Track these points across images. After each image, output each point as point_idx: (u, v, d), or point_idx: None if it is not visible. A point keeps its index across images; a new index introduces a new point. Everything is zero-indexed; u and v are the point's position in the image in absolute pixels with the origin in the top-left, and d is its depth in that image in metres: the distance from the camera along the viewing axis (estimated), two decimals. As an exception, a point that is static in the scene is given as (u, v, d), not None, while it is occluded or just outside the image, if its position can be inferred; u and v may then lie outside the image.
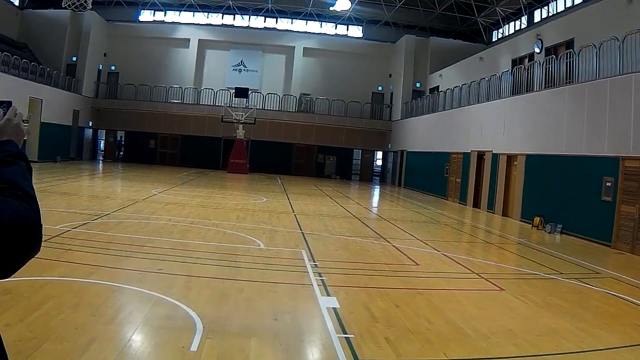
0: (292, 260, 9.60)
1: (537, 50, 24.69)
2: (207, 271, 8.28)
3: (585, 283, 9.58)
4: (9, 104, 1.83)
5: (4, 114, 1.80)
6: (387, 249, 11.84)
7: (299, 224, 14.49)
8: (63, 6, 24.39)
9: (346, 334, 5.80)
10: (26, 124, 1.88)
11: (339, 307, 6.81)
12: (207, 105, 40.92)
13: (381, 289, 8.03)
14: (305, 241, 11.80)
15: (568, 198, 16.95)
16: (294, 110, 41.72)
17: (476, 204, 24.28)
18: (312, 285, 7.85)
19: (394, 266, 10.05)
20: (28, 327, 5.20)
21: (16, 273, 1.55)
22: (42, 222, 1.61)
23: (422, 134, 33.63)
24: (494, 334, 6.23)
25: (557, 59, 19.57)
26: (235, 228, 12.84)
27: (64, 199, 16.15)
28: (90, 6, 20.75)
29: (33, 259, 1.60)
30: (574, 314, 7.47)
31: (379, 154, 44.87)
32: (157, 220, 13.06)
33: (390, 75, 42.52)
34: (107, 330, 5.41)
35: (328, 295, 7.38)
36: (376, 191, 33.79)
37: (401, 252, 11.53)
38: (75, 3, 20.07)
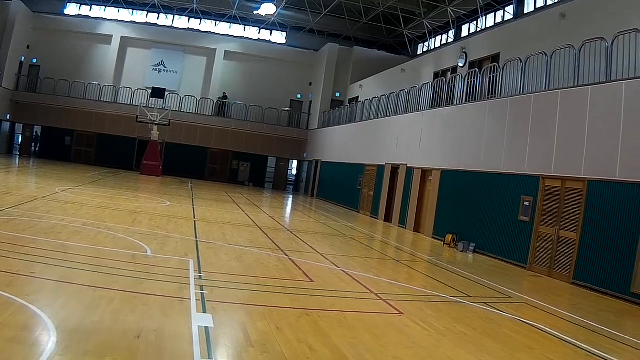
0: (177, 271, 9.22)
1: (460, 63, 24.34)
2: (82, 278, 7.85)
3: (496, 308, 9.22)
4: None
5: None
6: (283, 262, 11.47)
7: (195, 231, 14.18)
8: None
9: (211, 359, 5.53)
10: None
11: (212, 326, 6.37)
12: (124, 104, 39.99)
13: (265, 307, 7.63)
14: (197, 250, 11.53)
15: (483, 216, 16.58)
16: (210, 114, 41.20)
17: (388, 218, 24.12)
18: (190, 299, 7.46)
19: (286, 282, 9.51)
20: None
21: None
22: None
23: (338, 144, 33.67)
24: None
25: (480, 73, 19.03)
26: (127, 232, 12.43)
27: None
28: None
29: None
30: (479, 344, 7.00)
31: (295, 163, 44.89)
32: (49, 220, 12.48)
33: (310, 84, 42.78)
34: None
35: (204, 312, 6.95)
36: (287, 201, 33.71)
37: (297, 266, 11.16)
38: None
